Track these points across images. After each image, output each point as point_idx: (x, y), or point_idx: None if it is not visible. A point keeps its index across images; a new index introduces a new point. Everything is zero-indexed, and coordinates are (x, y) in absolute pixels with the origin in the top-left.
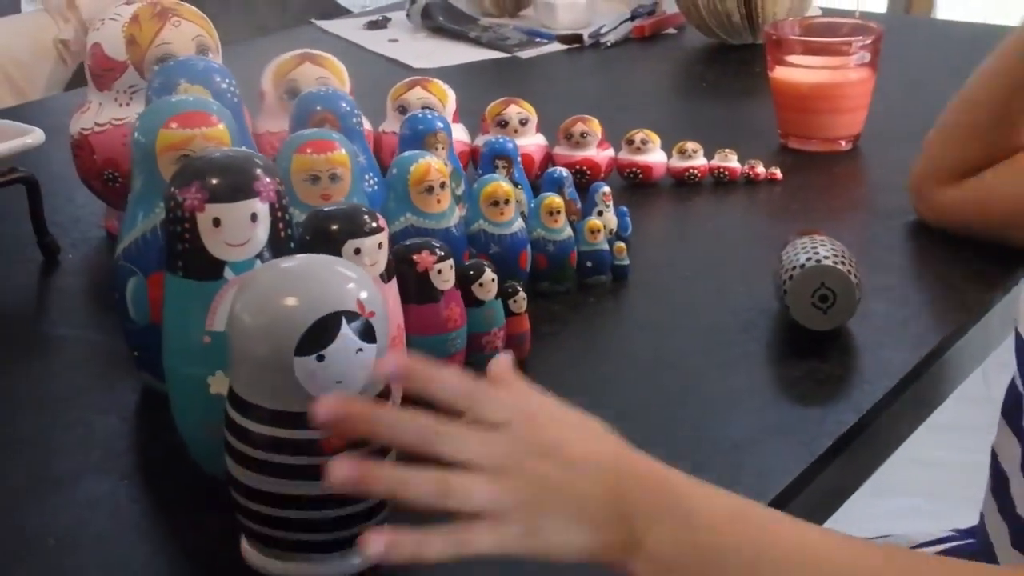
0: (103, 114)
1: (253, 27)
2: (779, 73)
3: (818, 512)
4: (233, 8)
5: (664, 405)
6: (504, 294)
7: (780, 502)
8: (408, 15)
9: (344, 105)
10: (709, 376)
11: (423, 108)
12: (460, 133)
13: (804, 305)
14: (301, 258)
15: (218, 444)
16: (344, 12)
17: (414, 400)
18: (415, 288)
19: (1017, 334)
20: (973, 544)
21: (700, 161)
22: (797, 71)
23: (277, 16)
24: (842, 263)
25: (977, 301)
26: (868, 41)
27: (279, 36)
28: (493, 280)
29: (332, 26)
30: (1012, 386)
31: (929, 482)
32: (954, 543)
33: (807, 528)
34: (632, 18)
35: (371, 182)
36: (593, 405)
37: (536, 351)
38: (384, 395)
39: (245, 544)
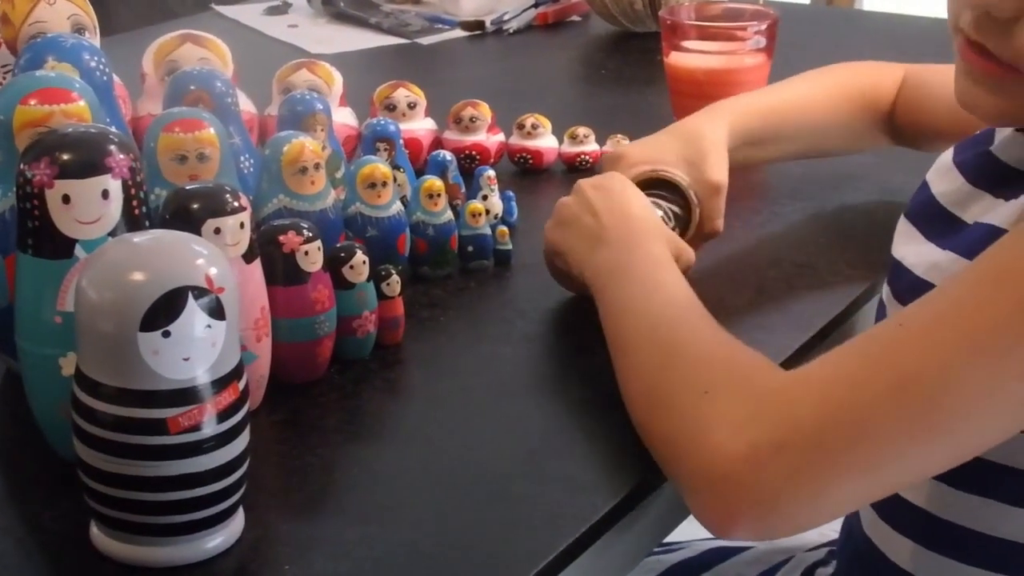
0: None
1: (156, 13)
2: (674, 59)
3: None
4: None
5: (541, 386)
6: (377, 277)
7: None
8: (309, 1)
9: (219, 84)
10: (590, 358)
11: (307, 90)
12: (347, 117)
13: None
14: (152, 233)
15: (70, 426)
16: None
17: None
18: (281, 269)
19: (890, 256)
20: None
21: (592, 147)
22: (692, 56)
23: (179, 2)
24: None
25: (862, 287)
26: (763, 27)
27: (179, 21)
28: (364, 263)
29: (232, 11)
30: (880, 304)
31: None
32: None
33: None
34: (536, 5)
35: (247, 164)
36: (471, 386)
37: (415, 335)
38: (238, 374)
39: (94, 528)
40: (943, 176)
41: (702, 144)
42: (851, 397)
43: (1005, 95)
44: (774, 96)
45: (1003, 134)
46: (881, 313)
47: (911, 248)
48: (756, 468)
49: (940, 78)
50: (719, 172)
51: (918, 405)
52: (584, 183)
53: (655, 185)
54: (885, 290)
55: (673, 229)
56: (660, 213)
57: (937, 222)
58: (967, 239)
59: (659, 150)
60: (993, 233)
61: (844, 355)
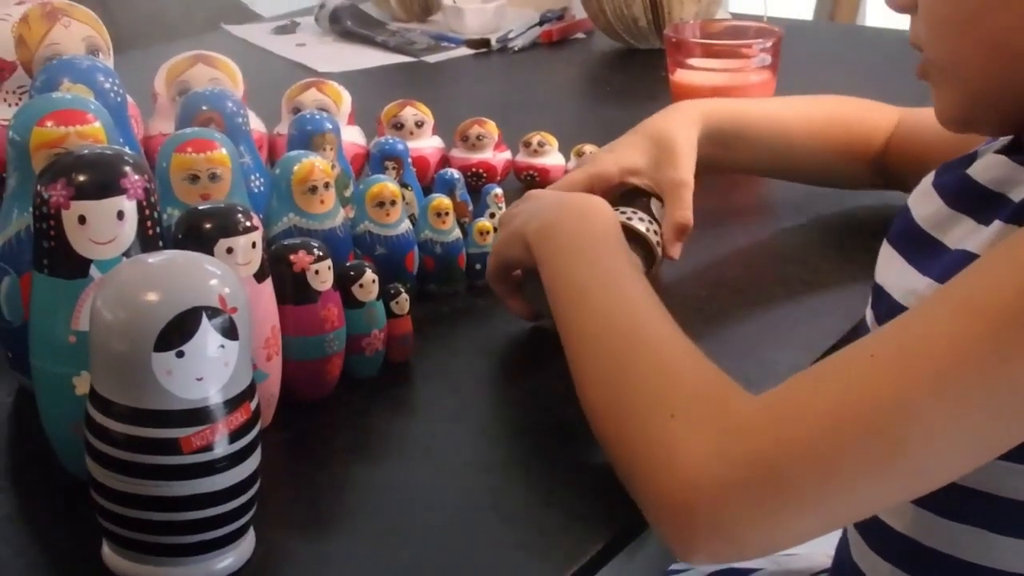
0: None
1: (163, 32)
2: (679, 76)
3: None
4: (143, 13)
5: (550, 404)
6: (386, 295)
7: None
8: (316, 19)
9: (230, 105)
10: None
11: (316, 109)
12: (355, 135)
13: None
14: (165, 254)
15: (83, 445)
16: (255, 17)
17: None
18: (292, 288)
19: (874, 282)
20: None
21: None
22: (697, 74)
23: (188, 22)
24: (641, 221)
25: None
26: (768, 44)
27: (188, 41)
28: (374, 281)
29: (241, 31)
30: (863, 325)
31: None
32: None
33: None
34: (540, 23)
35: (258, 183)
36: (480, 404)
37: (424, 352)
38: (250, 394)
39: (106, 548)
40: (923, 199)
41: (673, 146)
42: (816, 434)
43: (938, 92)
44: (750, 104)
45: (983, 156)
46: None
47: (892, 272)
48: (719, 502)
49: (934, 120)
50: (686, 172)
51: (882, 442)
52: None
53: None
54: (868, 314)
55: (656, 234)
56: (639, 219)
57: (918, 246)
58: (945, 265)
59: (628, 152)
60: (969, 260)
61: (811, 386)
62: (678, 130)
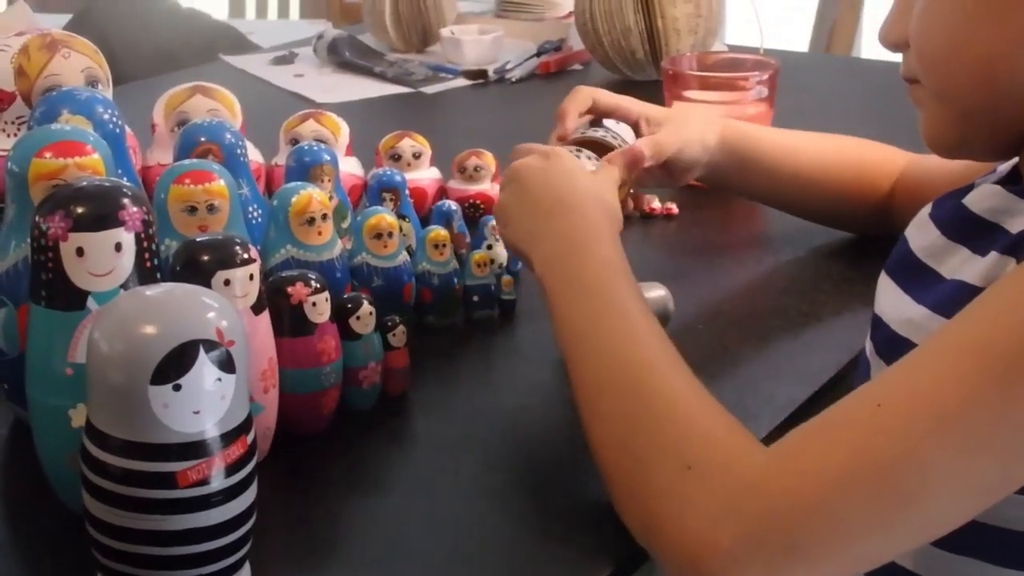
0: None
1: (162, 63)
2: (677, 108)
3: None
4: (141, 44)
5: (547, 436)
6: (383, 328)
7: None
8: (315, 50)
9: (228, 136)
10: None
11: (314, 141)
12: (353, 167)
13: None
14: (163, 286)
15: (79, 478)
16: (254, 48)
17: None
18: (289, 320)
19: (873, 313)
20: None
21: None
22: (694, 106)
23: (188, 52)
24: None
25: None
26: (765, 76)
27: (187, 72)
28: (371, 313)
29: (240, 61)
30: (864, 358)
31: None
32: None
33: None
34: (538, 54)
35: (255, 214)
36: (477, 436)
37: (420, 384)
38: (246, 427)
39: None
40: (920, 230)
41: (686, 122)
42: (826, 489)
43: (927, 115)
44: (767, 131)
45: (979, 186)
46: (864, 368)
47: (888, 302)
48: (730, 561)
49: (939, 163)
50: (673, 140)
51: (892, 494)
52: (510, 168)
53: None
54: (868, 345)
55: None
56: (585, 157)
57: (914, 275)
58: (941, 294)
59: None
60: (965, 290)
61: (819, 439)
62: (700, 123)
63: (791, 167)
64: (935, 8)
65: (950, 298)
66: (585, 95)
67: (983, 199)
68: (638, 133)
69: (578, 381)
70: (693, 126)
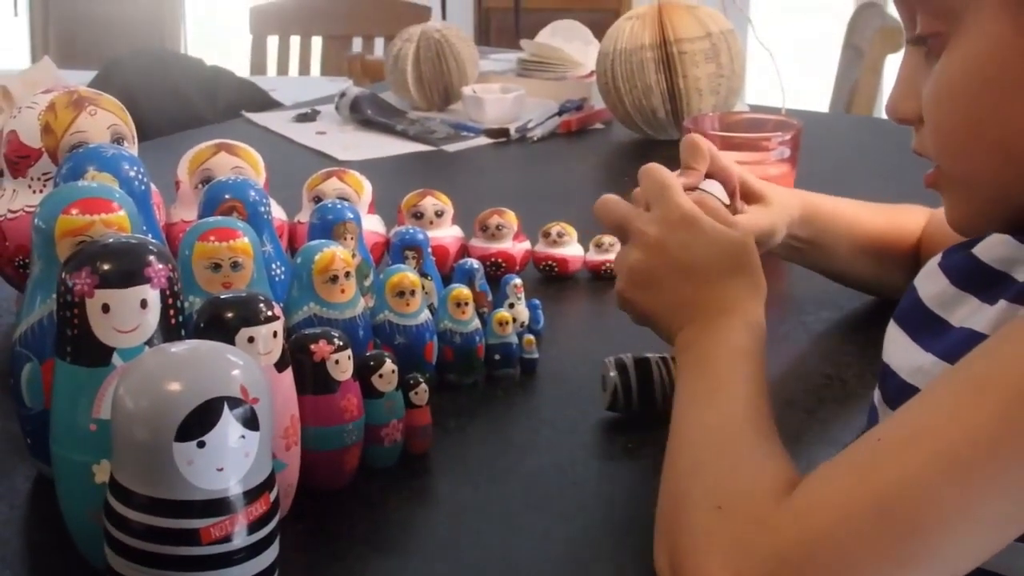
0: (17, 201)
1: (186, 120)
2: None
3: None
4: (167, 101)
5: (568, 496)
6: (405, 386)
7: None
8: (337, 108)
9: (252, 194)
10: (617, 468)
11: (337, 199)
12: (375, 224)
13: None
14: (187, 343)
15: (101, 534)
16: (276, 105)
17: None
18: (311, 378)
19: (882, 362)
20: None
21: None
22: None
23: (211, 109)
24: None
25: None
26: (787, 137)
27: (210, 129)
28: (393, 371)
29: (262, 118)
30: (872, 408)
31: None
32: None
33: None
34: (560, 113)
35: (279, 272)
36: (498, 496)
37: (441, 444)
38: (269, 485)
39: None
40: (929, 279)
41: (766, 189)
42: (832, 524)
43: (950, 201)
44: (832, 202)
45: (988, 235)
46: (872, 417)
47: (897, 351)
48: None
49: None
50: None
51: (899, 529)
52: (643, 228)
53: None
54: (876, 395)
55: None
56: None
57: (923, 324)
58: (950, 343)
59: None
60: (973, 338)
61: (827, 476)
62: (790, 199)
63: (848, 241)
64: (949, 85)
65: (959, 347)
66: (706, 152)
67: (992, 248)
68: (732, 197)
69: (674, 428)
70: (790, 205)
